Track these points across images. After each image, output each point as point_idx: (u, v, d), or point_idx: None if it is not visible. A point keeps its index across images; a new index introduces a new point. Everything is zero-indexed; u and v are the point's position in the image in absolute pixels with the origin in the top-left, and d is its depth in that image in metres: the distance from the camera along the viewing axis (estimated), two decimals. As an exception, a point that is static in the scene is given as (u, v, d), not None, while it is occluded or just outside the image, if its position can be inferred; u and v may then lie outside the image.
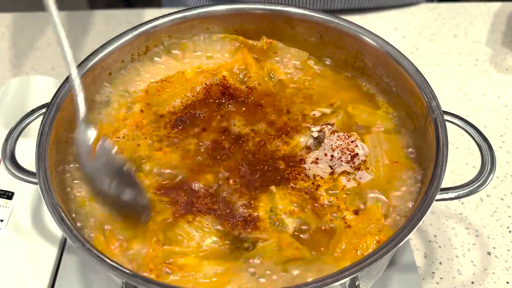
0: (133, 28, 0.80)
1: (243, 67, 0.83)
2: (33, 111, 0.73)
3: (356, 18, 1.18)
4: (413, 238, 0.84)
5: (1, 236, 0.79)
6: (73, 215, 0.67)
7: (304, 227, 0.67)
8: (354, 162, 0.71)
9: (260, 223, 0.67)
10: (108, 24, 1.20)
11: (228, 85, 0.81)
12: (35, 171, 0.65)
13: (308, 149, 0.74)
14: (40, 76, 1.01)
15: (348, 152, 0.71)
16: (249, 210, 0.67)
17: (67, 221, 0.60)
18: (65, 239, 0.82)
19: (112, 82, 0.80)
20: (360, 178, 0.70)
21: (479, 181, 0.66)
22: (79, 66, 0.75)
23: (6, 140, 0.70)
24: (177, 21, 0.82)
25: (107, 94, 0.79)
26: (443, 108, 0.69)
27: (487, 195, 0.89)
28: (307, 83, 0.83)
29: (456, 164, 0.93)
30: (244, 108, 0.79)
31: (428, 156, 0.68)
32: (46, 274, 0.77)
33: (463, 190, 0.65)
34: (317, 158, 0.72)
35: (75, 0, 1.90)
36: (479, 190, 0.66)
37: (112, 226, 0.66)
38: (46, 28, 1.18)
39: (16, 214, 0.82)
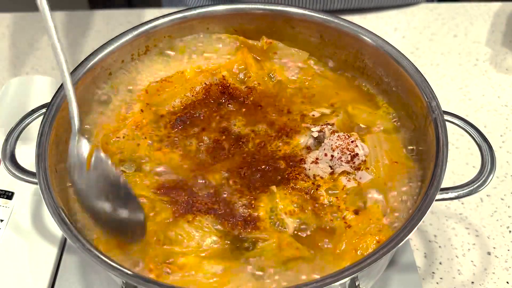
0: (133, 28, 0.80)
1: (243, 67, 0.83)
2: (33, 111, 0.73)
3: (356, 18, 1.18)
4: (413, 238, 0.84)
5: (1, 236, 0.79)
6: (73, 215, 0.67)
7: (304, 227, 0.67)
8: (354, 162, 0.71)
9: (260, 223, 0.67)
10: (108, 24, 1.20)
11: (228, 85, 0.81)
12: (35, 171, 0.65)
13: (308, 149, 0.74)
14: (40, 76, 1.01)
15: (348, 152, 0.71)
16: (249, 210, 0.68)
17: (67, 221, 0.60)
18: (65, 239, 0.82)
19: (112, 82, 0.80)
20: (360, 178, 0.70)
21: (479, 181, 0.66)
22: (79, 66, 0.75)
23: (6, 140, 0.70)
24: (177, 21, 0.82)
25: (107, 94, 0.79)
26: (443, 108, 0.69)
27: (487, 195, 0.89)
28: (307, 83, 0.83)
29: (456, 164, 0.93)
30: (244, 109, 0.79)
31: (428, 156, 0.68)
32: (46, 274, 0.77)
33: (463, 190, 0.65)
34: (317, 158, 0.72)
35: (75, 0, 1.90)
36: (479, 190, 0.66)
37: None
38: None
39: (16, 214, 0.82)
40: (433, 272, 0.80)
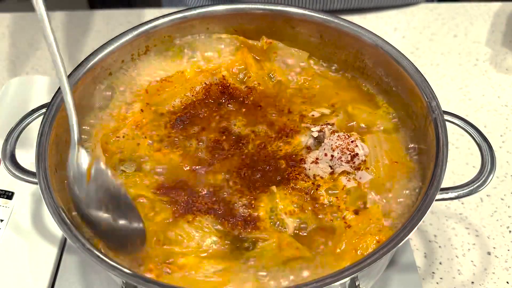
0: (133, 28, 0.80)
1: (242, 67, 0.83)
2: (33, 111, 0.73)
3: (356, 18, 1.18)
4: (413, 238, 0.84)
5: (1, 236, 0.79)
6: (73, 215, 0.67)
7: (304, 227, 0.67)
8: (354, 162, 0.71)
9: (260, 223, 0.67)
10: (108, 24, 1.20)
11: (228, 85, 0.81)
12: (35, 171, 0.65)
13: (308, 149, 0.74)
14: (40, 76, 1.02)
15: (348, 152, 0.71)
16: (249, 210, 0.67)
17: (67, 221, 0.60)
18: (65, 239, 0.82)
19: (112, 82, 0.80)
20: (360, 178, 0.70)
21: (479, 181, 0.66)
22: (79, 66, 0.75)
23: (6, 140, 0.70)
24: (177, 21, 0.82)
25: (107, 94, 0.79)
26: (443, 108, 0.69)
27: (487, 195, 0.89)
28: (307, 83, 0.83)
29: (456, 164, 0.93)
30: (244, 109, 0.79)
31: (428, 156, 0.68)
32: (46, 274, 0.77)
33: (463, 190, 0.65)
34: (317, 158, 0.72)
35: (75, 0, 1.90)
36: (479, 190, 0.66)
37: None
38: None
39: (16, 214, 0.82)
40: (433, 272, 0.80)
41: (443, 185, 0.62)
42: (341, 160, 0.71)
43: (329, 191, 0.69)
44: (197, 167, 0.72)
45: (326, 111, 0.78)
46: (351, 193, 0.69)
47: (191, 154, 0.74)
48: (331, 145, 0.72)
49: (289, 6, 0.82)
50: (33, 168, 0.65)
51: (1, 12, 1.23)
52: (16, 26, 1.20)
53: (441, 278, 0.79)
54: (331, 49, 0.83)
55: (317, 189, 0.69)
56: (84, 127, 0.75)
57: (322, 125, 0.75)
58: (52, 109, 0.70)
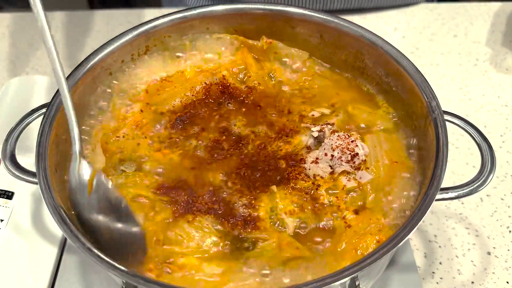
0: (133, 28, 0.80)
1: (242, 66, 0.83)
2: (33, 111, 0.73)
3: (356, 18, 1.18)
4: (413, 238, 0.84)
5: (1, 236, 0.79)
6: (73, 214, 0.67)
7: (304, 227, 0.67)
8: (354, 162, 0.71)
9: (260, 223, 0.66)
10: (108, 24, 1.20)
11: (228, 84, 0.81)
12: (35, 171, 0.65)
13: (308, 149, 0.74)
14: (40, 76, 1.01)
15: (348, 152, 0.71)
16: (249, 210, 0.67)
17: (67, 221, 0.60)
18: (65, 239, 0.82)
19: (112, 82, 0.80)
20: (360, 177, 0.70)
21: (479, 181, 0.66)
22: (79, 66, 0.75)
23: (6, 140, 0.70)
24: (177, 21, 0.82)
25: (107, 94, 0.79)
26: (443, 108, 0.69)
27: (487, 195, 0.89)
28: (307, 83, 0.83)
29: (456, 164, 0.93)
30: (244, 108, 0.79)
31: (428, 156, 0.68)
32: (46, 274, 0.77)
33: (463, 190, 0.65)
34: (317, 158, 0.72)
35: (75, 0, 1.90)
36: (479, 190, 0.66)
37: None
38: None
39: (16, 214, 0.82)
40: (433, 272, 0.80)
41: (443, 185, 0.62)
42: (341, 160, 0.71)
43: (329, 191, 0.69)
44: (197, 167, 0.72)
45: (326, 111, 0.78)
46: (351, 193, 0.69)
47: (191, 154, 0.74)
48: (331, 145, 0.72)
49: (289, 6, 0.82)
50: (33, 168, 0.65)
51: (1, 12, 1.23)
52: (16, 26, 1.20)
53: (441, 278, 0.79)
54: (331, 49, 0.83)
55: (317, 189, 0.69)
56: (84, 127, 0.75)
57: (322, 125, 0.75)
58: (52, 109, 0.70)
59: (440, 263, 0.81)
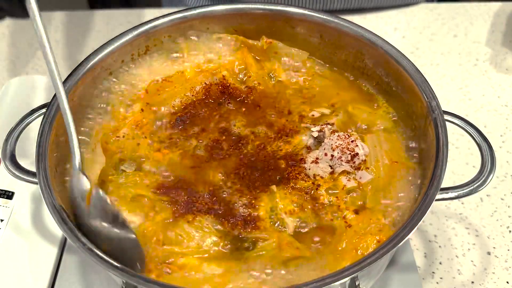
0: (133, 28, 0.80)
1: (243, 66, 0.83)
2: (33, 111, 0.73)
3: (356, 18, 1.18)
4: (413, 238, 0.84)
5: (1, 236, 0.79)
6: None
7: (304, 227, 0.67)
8: (354, 162, 0.71)
9: (260, 223, 0.67)
10: (108, 24, 1.20)
11: (228, 84, 0.81)
12: (35, 171, 0.65)
13: (308, 149, 0.74)
14: (40, 76, 1.01)
15: (348, 152, 0.71)
16: (249, 210, 0.67)
17: (67, 221, 0.60)
18: (65, 239, 0.82)
19: (112, 82, 0.80)
20: (360, 177, 0.70)
21: (479, 181, 0.66)
22: (79, 66, 0.75)
23: (6, 140, 0.70)
24: (177, 21, 0.82)
25: (107, 94, 0.79)
26: (443, 108, 0.69)
27: (487, 195, 0.89)
28: (307, 83, 0.83)
29: (456, 164, 0.93)
30: (244, 108, 0.79)
31: (428, 156, 0.68)
32: (46, 274, 0.77)
33: (463, 190, 0.65)
34: (317, 158, 0.72)
35: (75, 0, 1.90)
36: (479, 190, 0.66)
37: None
38: (47, 27, 1.18)
39: (16, 214, 0.82)
40: (433, 272, 0.80)
41: (443, 185, 0.62)
42: (341, 160, 0.71)
43: (329, 191, 0.69)
44: (197, 166, 0.72)
45: (326, 111, 0.78)
46: (351, 193, 0.69)
47: (191, 153, 0.74)
48: (331, 144, 0.72)
49: (289, 6, 0.82)
50: (33, 168, 0.65)
51: (1, 12, 1.23)
52: (16, 26, 1.20)
53: (441, 278, 0.79)
54: (331, 49, 0.83)
55: (317, 189, 0.69)
56: (84, 127, 0.75)
57: (322, 125, 0.75)
58: (52, 109, 0.70)
59: (440, 263, 0.81)
